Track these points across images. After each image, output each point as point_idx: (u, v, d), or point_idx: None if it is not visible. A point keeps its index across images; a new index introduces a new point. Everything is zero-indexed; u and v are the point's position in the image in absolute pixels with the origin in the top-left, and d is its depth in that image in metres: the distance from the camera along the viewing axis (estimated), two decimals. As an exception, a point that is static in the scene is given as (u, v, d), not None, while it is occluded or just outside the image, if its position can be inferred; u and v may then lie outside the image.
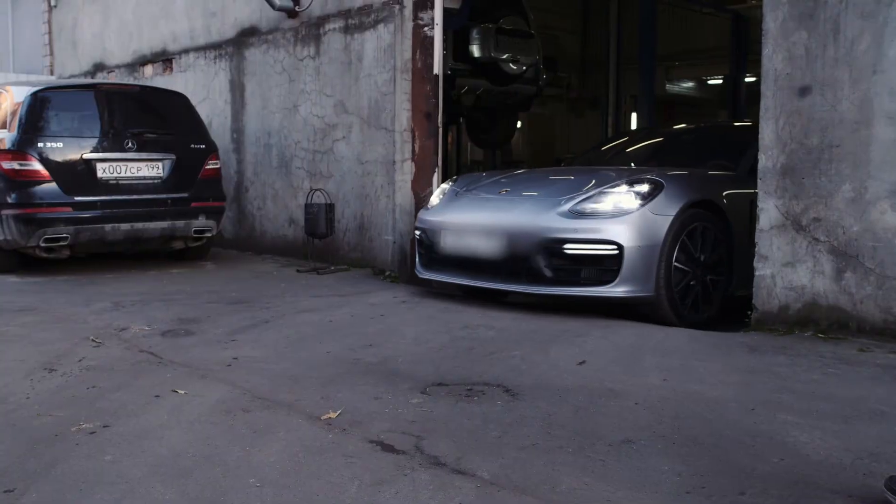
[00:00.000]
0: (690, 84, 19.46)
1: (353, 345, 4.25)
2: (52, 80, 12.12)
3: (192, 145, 7.52)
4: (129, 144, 7.14)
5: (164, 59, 10.31)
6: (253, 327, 4.72)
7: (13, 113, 6.97)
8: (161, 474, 2.47)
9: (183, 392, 3.38)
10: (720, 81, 18.02)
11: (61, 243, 6.83)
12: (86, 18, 12.28)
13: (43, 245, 6.75)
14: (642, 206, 4.76)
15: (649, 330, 4.54)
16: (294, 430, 2.91)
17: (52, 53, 13.50)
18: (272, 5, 7.97)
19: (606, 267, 4.71)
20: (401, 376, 3.63)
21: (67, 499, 2.29)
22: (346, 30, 7.43)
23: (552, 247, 4.81)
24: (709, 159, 5.90)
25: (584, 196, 4.95)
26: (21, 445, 2.75)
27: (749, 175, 5.35)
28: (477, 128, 11.25)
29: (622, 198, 4.83)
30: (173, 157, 7.33)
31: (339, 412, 3.10)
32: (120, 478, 2.44)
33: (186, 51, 9.84)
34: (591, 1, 17.71)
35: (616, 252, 4.66)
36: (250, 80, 8.77)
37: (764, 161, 4.57)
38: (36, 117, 6.91)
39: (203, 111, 8.73)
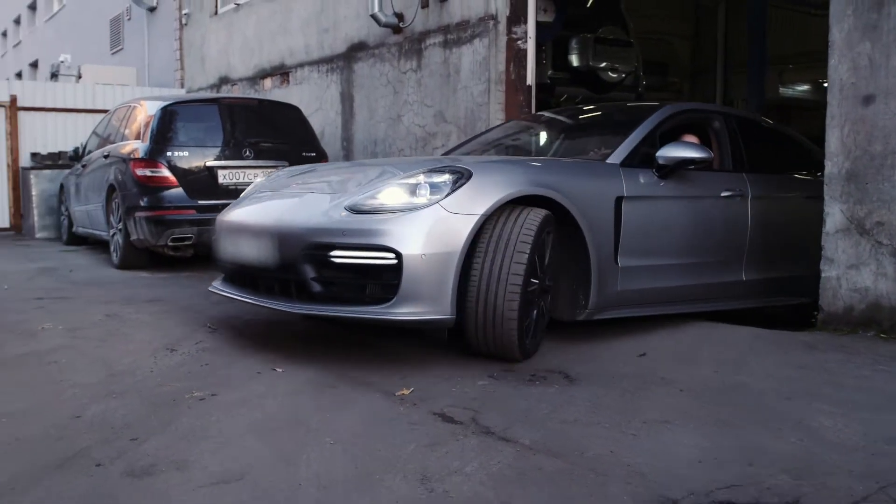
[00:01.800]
0: (805, 87, 19.04)
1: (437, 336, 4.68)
2: (181, 94, 13.13)
3: (304, 153, 8.14)
4: (247, 153, 7.82)
5: (281, 72, 11.06)
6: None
7: (146, 125, 7.76)
8: (254, 431, 2.96)
9: (280, 370, 3.88)
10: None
11: (186, 242, 7.56)
12: (212, 35, 13.24)
13: (170, 244, 7.49)
14: (435, 201, 3.76)
15: (714, 328, 4.77)
16: (370, 403, 3.35)
17: (182, 68, 14.58)
18: (378, 22, 8.53)
19: (386, 281, 3.72)
20: (473, 363, 4.02)
21: (179, 446, 2.80)
22: (445, 44, 7.90)
23: (316, 254, 3.83)
24: (600, 146, 4.97)
25: (370, 189, 3.99)
26: (145, 408, 3.29)
27: (623, 166, 4.53)
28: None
29: (410, 190, 3.86)
30: (287, 164, 7.96)
31: (411, 390, 3.52)
32: (221, 433, 2.94)
33: (302, 65, 10.55)
34: (703, 5, 17.65)
35: (394, 262, 3.67)
36: (358, 91, 9.36)
37: (830, 167, 4.74)
38: (165, 129, 7.68)
39: (316, 121, 9.38)
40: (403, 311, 3.69)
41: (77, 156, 10.06)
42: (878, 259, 4.54)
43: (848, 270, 4.68)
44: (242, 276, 4.42)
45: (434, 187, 3.82)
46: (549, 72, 9.67)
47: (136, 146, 7.75)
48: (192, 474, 2.53)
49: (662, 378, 3.72)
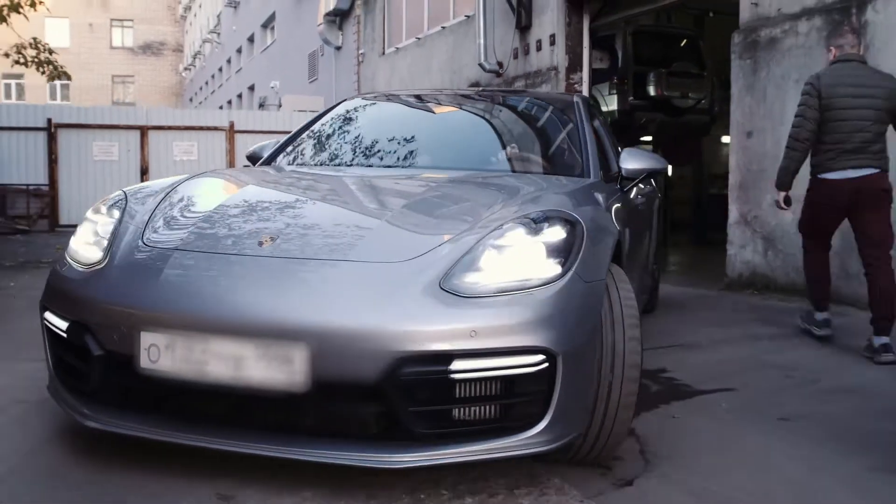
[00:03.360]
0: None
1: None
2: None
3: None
4: (384, 168, 10.77)
5: (425, 103, 14.05)
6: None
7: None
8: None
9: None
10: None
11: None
12: (380, 72, 16.49)
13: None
14: (569, 267, 2.43)
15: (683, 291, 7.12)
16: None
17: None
18: (483, 69, 11.28)
19: (530, 396, 2.33)
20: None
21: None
22: (526, 86, 10.54)
23: (424, 372, 2.23)
24: (524, 153, 3.95)
25: (458, 251, 2.45)
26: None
27: (607, 183, 3.64)
28: (664, 149, 13.75)
29: (528, 254, 2.47)
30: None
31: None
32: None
33: (438, 98, 13.48)
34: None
35: (544, 366, 2.30)
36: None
37: (732, 179, 7.02)
38: (327, 151, 10.80)
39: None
40: (556, 435, 2.36)
41: (273, 170, 13.52)
42: (755, 241, 6.79)
43: (740, 249, 6.95)
44: (205, 404, 2.43)
45: (552, 250, 2.47)
46: (630, 99, 12.03)
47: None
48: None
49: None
